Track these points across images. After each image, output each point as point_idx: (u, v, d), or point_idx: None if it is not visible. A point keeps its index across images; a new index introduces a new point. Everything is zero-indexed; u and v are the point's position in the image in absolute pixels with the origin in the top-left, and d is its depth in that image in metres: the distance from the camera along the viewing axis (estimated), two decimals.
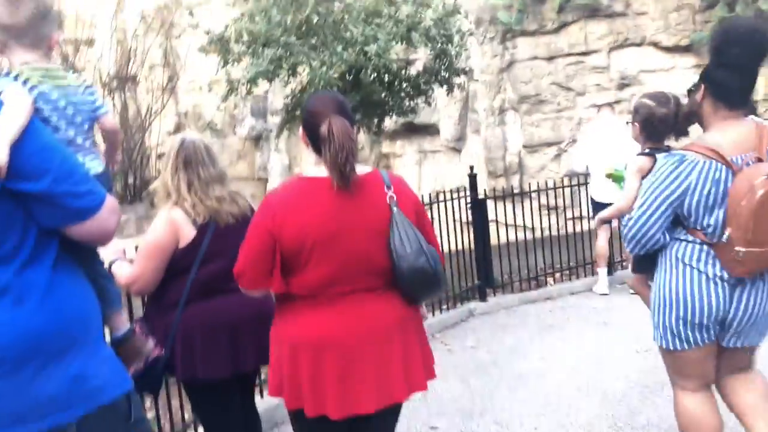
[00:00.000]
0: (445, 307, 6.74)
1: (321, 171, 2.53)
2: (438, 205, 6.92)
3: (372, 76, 5.63)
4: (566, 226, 8.12)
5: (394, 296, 2.60)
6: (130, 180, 11.32)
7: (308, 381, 2.51)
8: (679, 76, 9.82)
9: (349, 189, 2.49)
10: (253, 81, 5.62)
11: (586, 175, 7.51)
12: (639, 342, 5.42)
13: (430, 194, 7.20)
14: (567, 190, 8.06)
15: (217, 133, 12.15)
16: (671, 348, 3.02)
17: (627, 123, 3.99)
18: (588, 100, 10.13)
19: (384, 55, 5.46)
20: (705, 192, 2.83)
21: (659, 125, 3.68)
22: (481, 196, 7.07)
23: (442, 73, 6.23)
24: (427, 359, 2.75)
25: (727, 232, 2.79)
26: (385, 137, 10.70)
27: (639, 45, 9.90)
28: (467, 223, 6.96)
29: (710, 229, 2.87)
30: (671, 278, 2.97)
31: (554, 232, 8.06)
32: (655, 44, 9.84)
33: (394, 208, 2.57)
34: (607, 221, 4.95)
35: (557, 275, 7.79)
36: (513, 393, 4.78)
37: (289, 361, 2.56)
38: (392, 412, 2.72)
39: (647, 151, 3.74)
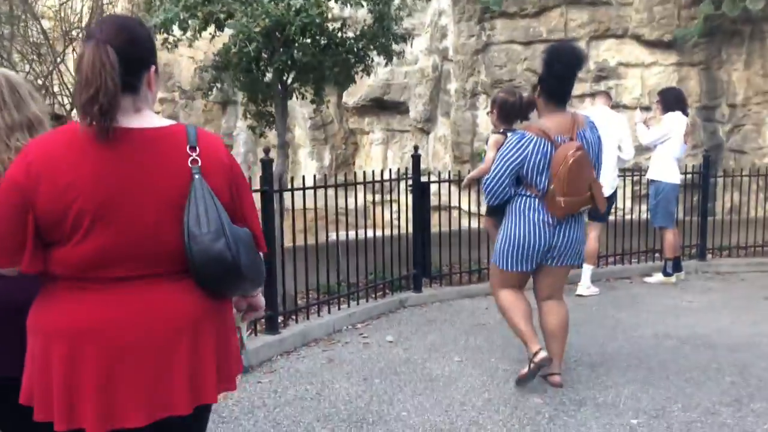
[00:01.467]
0: (373, 295, 6.14)
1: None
2: (382, 185, 6.29)
3: (301, 35, 4.96)
4: None
5: (193, 286, 1.97)
6: None
7: (60, 383, 1.88)
8: (659, 72, 9.12)
9: (107, 140, 1.85)
10: (162, 26, 4.94)
11: None
12: (575, 350, 4.81)
13: (373, 172, 6.55)
14: None
15: (185, 93, 11.45)
16: (505, 268, 4.27)
17: (487, 113, 5.58)
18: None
19: (310, 10, 4.79)
20: (537, 159, 4.04)
21: (510, 111, 4.97)
22: (425, 179, 6.44)
23: (381, 39, 5.54)
24: (229, 366, 2.10)
25: (551, 187, 4.02)
26: (353, 112, 10.03)
27: (620, 37, 9.17)
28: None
29: (540, 186, 4.09)
30: (513, 223, 4.19)
31: None
32: (637, 37, 9.11)
33: (196, 176, 1.94)
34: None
35: None
36: (416, 398, 4.15)
37: (40, 358, 1.93)
38: (182, 425, 2.06)
39: (501, 131, 4.94)
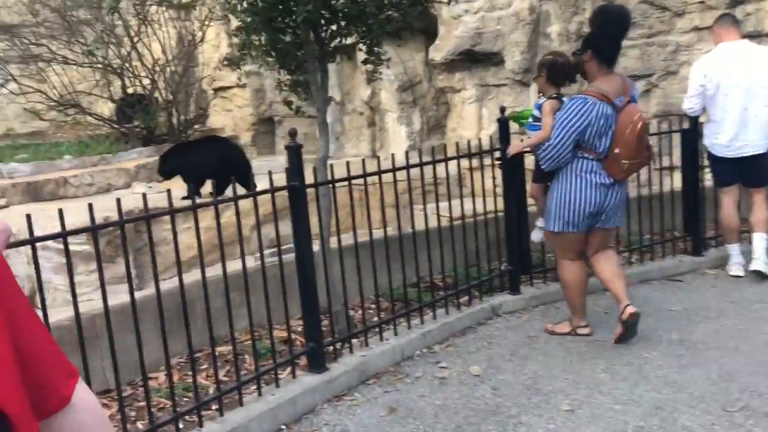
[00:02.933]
0: (455, 302, 4.58)
1: None
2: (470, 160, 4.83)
3: None
4: (655, 183, 5.72)
5: None
6: (174, 119, 9.63)
7: None
8: None
9: None
10: None
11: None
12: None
13: (457, 143, 5.05)
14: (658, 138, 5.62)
15: (270, 66, 10.22)
16: (562, 229, 4.19)
17: (533, 78, 5.05)
18: (688, 22, 7.44)
19: None
20: (600, 124, 4.01)
21: (560, 73, 4.39)
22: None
23: None
24: None
25: (616, 151, 4.02)
26: (442, 69, 8.46)
27: None
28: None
29: (600, 149, 4.06)
30: (571, 185, 4.13)
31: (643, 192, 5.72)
32: None
33: None
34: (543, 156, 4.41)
35: (641, 252, 5.53)
36: None
37: None
38: None
39: (555, 95, 4.35)
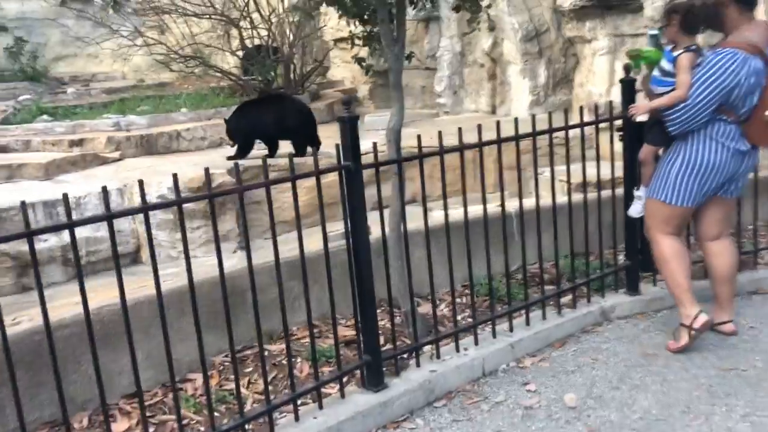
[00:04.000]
0: (554, 305, 3.65)
1: None
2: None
3: None
4: None
5: None
6: (292, 72, 9.09)
7: None
8: None
9: None
10: None
11: None
12: None
13: (581, 108, 4.06)
14: None
15: None
16: (674, 203, 3.42)
17: (661, 27, 3.73)
18: None
19: None
20: (750, 82, 3.25)
21: (697, 20, 3.43)
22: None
23: None
24: None
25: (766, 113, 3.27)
26: (571, 16, 7.24)
27: None
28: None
29: (742, 110, 3.30)
30: (703, 150, 3.35)
31: None
32: None
33: None
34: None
35: None
36: None
37: None
38: None
39: (693, 47, 3.41)
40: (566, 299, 3.75)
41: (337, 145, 2.84)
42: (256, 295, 2.68)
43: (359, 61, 3.98)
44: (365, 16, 3.52)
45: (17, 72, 9.88)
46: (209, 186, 2.57)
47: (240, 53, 8.97)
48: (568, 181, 3.97)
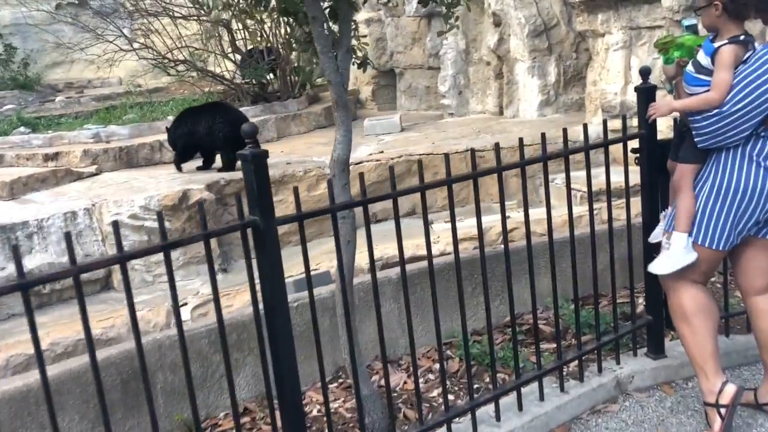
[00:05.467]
0: (560, 372, 2.88)
1: None
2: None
3: None
4: None
5: None
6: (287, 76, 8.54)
7: None
8: None
9: None
10: None
11: None
12: None
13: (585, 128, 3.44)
14: None
15: (391, 12, 8.84)
16: (704, 243, 2.65)
17: (695, 10, 2.79)
18: None
19: None
20: None
21: (748, 3, 2.58)
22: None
23: None
24: None
25: None
26: (582, 8, 6.63)
27: None
28: None
29: None
30: (738, 173, 2.61)
31: None
32: None
33: None
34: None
35: None
36: None
37: None
38: None
39: (741, 37, 2.61)
40: (571, 367, 3.01)
41: (237, 196, 2.15)
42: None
43: (297, 71, 3.33)
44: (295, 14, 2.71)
45: (7, 80, 9.46)
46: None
47: (234, 56, 8.46)
48: (590, 199, 3.39)
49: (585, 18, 6.54)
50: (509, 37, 7.52)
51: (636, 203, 3.27)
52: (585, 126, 3.06)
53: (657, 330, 3.15)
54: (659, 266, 2.71)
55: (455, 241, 2.56)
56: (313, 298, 2.29)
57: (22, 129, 6.46)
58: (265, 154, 2.15)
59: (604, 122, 3.17)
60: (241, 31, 8.20)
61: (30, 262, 4.50)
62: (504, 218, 2.75)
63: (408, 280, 2.45)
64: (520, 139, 2.79)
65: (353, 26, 2.78)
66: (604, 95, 6.23)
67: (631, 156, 3.17)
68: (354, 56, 2.88)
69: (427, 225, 2.54)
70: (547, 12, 7.28)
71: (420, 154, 5.98)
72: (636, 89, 3.17)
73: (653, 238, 3.02)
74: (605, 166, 3.05)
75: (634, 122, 6.10)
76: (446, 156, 2.65)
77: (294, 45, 3.27)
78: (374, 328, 2.50)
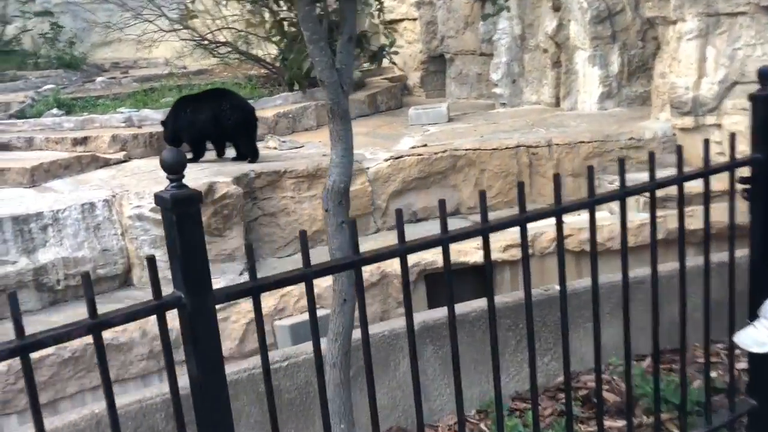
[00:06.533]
0: None
1: None
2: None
3: None
4: None
5: None
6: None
7: None
8: None
9: None
10: None
11: None
12: None
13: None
14: None
15: None
16: None
17: None
18: None
19: None
20: None
21: None
22: None
23: None
24: None
25: None
26: None
27: None
28: None
29: None
30: None
31: None
32: None
33: None
34: None
35: None
36: None
37: None
38: None
39: None
40: None
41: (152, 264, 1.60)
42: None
43: (270, 71, 2.79)
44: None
45: (53, 59, 9.30)
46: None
47: (278, 38, 8.05)
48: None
49: (655, 3, 5.87)
50: (569, 23, 6.89)
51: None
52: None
53: (762, 419, 2.41)
54: (748, 339, 2.07)
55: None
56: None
57: (54, 111, 6.22)
58: (199, 199, 1.60)
59: (706, 142, 2.47)
60: (283, 11, 7.77)
61: (43, 256, 4.22)
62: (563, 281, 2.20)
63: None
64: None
65: (372, 6, 2.28)
66: (673, 89, 5.59)
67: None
68: (361, 48, 2.36)
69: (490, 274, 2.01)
70: None
71: (466, 149, 5.48)
72: (751, 98, 2.47)
73: (739, 341, 2.18)
74: (704, 196, 2.41)
75: (708, 120, 5.52)
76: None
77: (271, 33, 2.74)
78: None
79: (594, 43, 6.72)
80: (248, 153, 5.34)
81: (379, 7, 5.68)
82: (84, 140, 5.58)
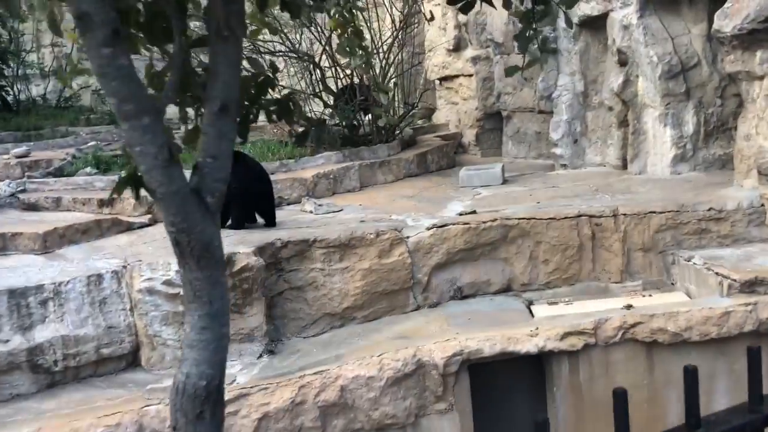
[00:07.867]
0: None
1: None
2: None
3: None
4: None
5: None
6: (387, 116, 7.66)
7: None
8: None
9: None
10: None
11: None
12: None
13: None
14: None
15: (500, 49, 7.78)
16: None
17: None
18: None
19: None
20: None
21: None
22: None
23: None
24: None
25: None
26: (734, 45, 5.23)
27: None
28: None
29: None
30: None
31: None
32: None
33: None
34: None
35: None
36: None
37: None
38: None
39: None
40: None
41: None
42: None
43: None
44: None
45: (105, 114, 9.23)
46: None
47: (325, 95, 7.68)
48: None
49: (738, 56, 5.17)
50: (637, 79, 6.24)
51: None
52: None
53: None
54: None
55: None
56: None
57: (87, 170, 5.95)
58: None
59: None
60: (331, 69, 7.43)
61: (40, 334, 3.78)
62: None
63: None
64: None
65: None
66: (761, 153, 4.84)
67: None
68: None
69: None
70: (686, 50, 5.96)
71: (519, 219, 4.83)
72: None
73: None
74: None
75: None
76: None
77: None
78: None
79: (666, 101, 6.03)
80: (264, 219, 4.94)
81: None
82: (111, 201, 5.23)
